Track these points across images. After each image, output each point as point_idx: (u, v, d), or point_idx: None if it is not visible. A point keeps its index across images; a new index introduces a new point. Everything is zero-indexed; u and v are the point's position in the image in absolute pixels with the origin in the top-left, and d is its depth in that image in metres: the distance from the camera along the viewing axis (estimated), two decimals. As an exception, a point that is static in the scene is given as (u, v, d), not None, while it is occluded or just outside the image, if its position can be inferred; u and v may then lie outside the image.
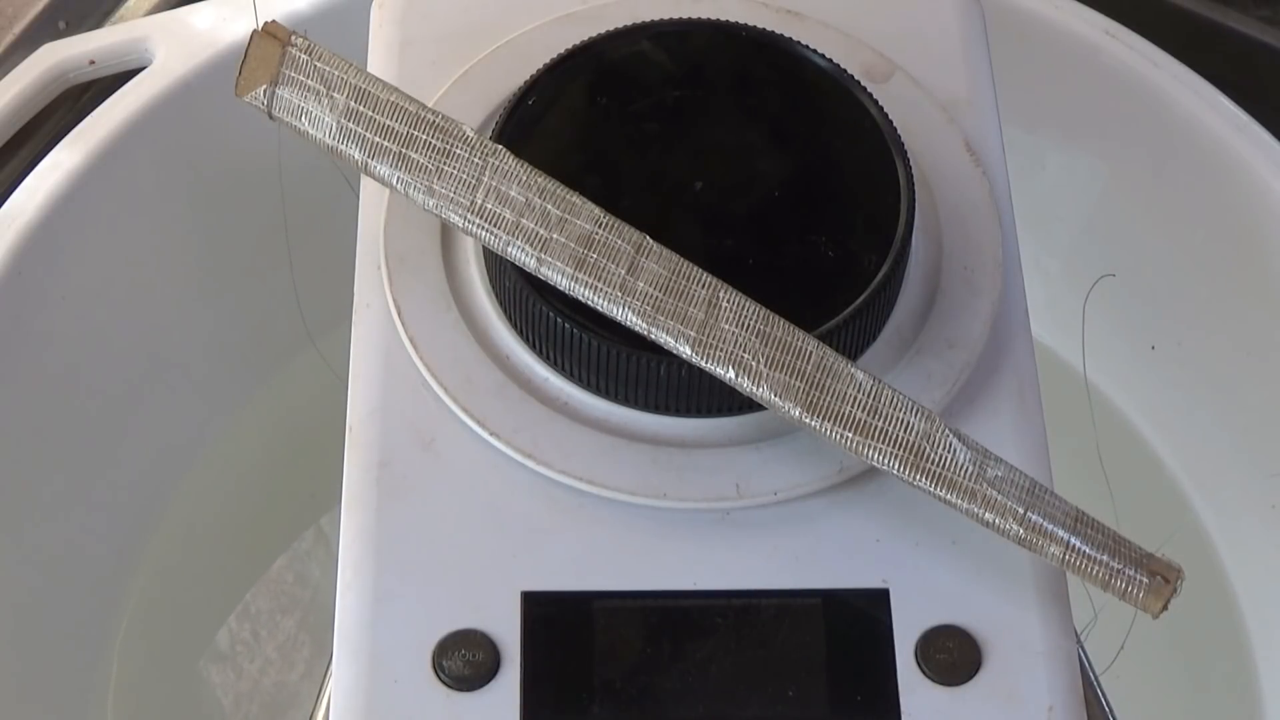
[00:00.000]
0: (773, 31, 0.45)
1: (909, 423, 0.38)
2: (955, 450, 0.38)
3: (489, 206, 0.40)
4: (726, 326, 0.39)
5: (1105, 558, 0.38)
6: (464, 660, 0.39)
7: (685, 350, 0.39)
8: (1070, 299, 0.64)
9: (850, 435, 0.38)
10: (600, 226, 0.39)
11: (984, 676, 0.39)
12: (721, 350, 0.39)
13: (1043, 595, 0.40)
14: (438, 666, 0.39)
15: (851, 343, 0.41)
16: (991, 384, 0.43)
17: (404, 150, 0.40)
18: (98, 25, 0.67)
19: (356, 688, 0.39)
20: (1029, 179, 0.64)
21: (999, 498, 0.38)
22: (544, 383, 0.42)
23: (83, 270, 0.61)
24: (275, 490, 0.71)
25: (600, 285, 0.39)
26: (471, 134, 0.40)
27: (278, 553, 0.71)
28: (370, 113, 0.40)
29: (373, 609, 0.39)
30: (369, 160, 0.40)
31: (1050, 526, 0.38)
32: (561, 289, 0.39)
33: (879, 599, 0.40)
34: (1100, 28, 0.64)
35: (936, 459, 0.38)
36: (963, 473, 0.38)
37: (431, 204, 0.40)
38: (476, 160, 0.40)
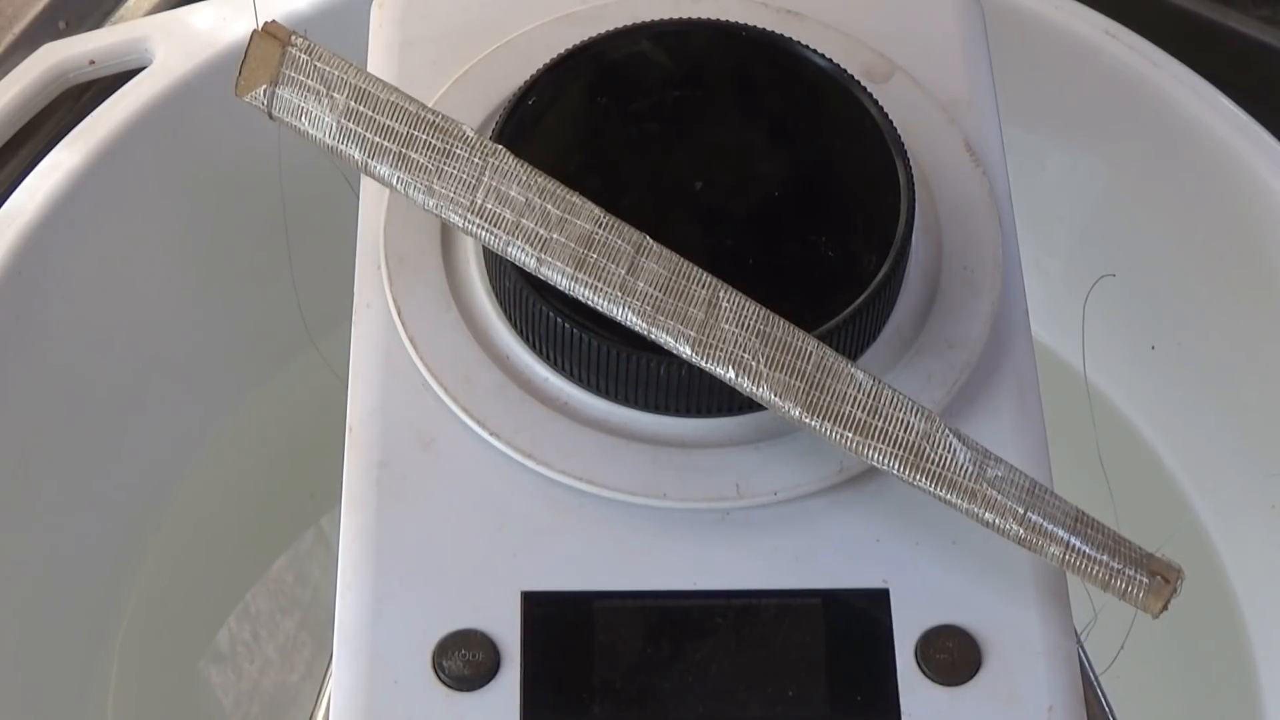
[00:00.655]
0: (773, 31, 0.45)
1: (909, 423, 0.38)
2: (955, 450, 0.38)
3: (489, 206, 0.40)
4: (726, 326, 0.39)
5: (1105, 558, 0.38)
6: (464, 660, 0.39)
7: (685, 350, 0.39)
8: (1070, 299, 0.64)
9: (850, 435, 0.38)
10: (600, 226, 0.39)
11: (984, 676, 0.39)
12: (721, 350, 0.39)
13: (1043, 595, 0.40)
14: (438, 666, 0.39)
15: (851, 343, 0.41)
16: (991, 384, 0.43)
17: (404, 150, 0.40)
18: (98, 25, 0.67)
19: (356, 688, 0.39)
20: (1029, 179, 0.64)
21: (999, 498, 0.38)
22: (544, 383, 0.42)
23: (83, 270, 0.61)
24: (275, 490, 0.71)
25: (600, 285, 0.39)
26: (471, 134, 0.40)
27: (278, 553, 0.71)
28: (370, 113, 0.40)
29: (373, 609, 0.39)
30: (369, 160, 0.40)
31: (1050, 526, 0.38)
32: (561, 289, 0.39)
33: (879, 599, 0.40)
34: (1100, 28, 0.64)
35: (936, 459, 0.38)
36: (963, 473, 0.38)
37: (431, 204, 0.40)
38: (476, 160, 0.40)
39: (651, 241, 0.39)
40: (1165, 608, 0.38)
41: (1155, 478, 0.70)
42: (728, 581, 0.40)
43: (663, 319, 0.39)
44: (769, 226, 0.42)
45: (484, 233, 0.40)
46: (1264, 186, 0.60)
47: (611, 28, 0.45)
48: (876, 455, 0.38)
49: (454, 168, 0.40)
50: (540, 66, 0.44)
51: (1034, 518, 0.38)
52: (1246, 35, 0.68)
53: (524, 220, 0.39)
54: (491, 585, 0.40)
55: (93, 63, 0.62)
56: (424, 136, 0.40)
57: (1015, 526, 0.38)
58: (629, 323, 0.39)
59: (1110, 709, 0.49)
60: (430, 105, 0.41)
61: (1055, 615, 0.40)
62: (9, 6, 0.64)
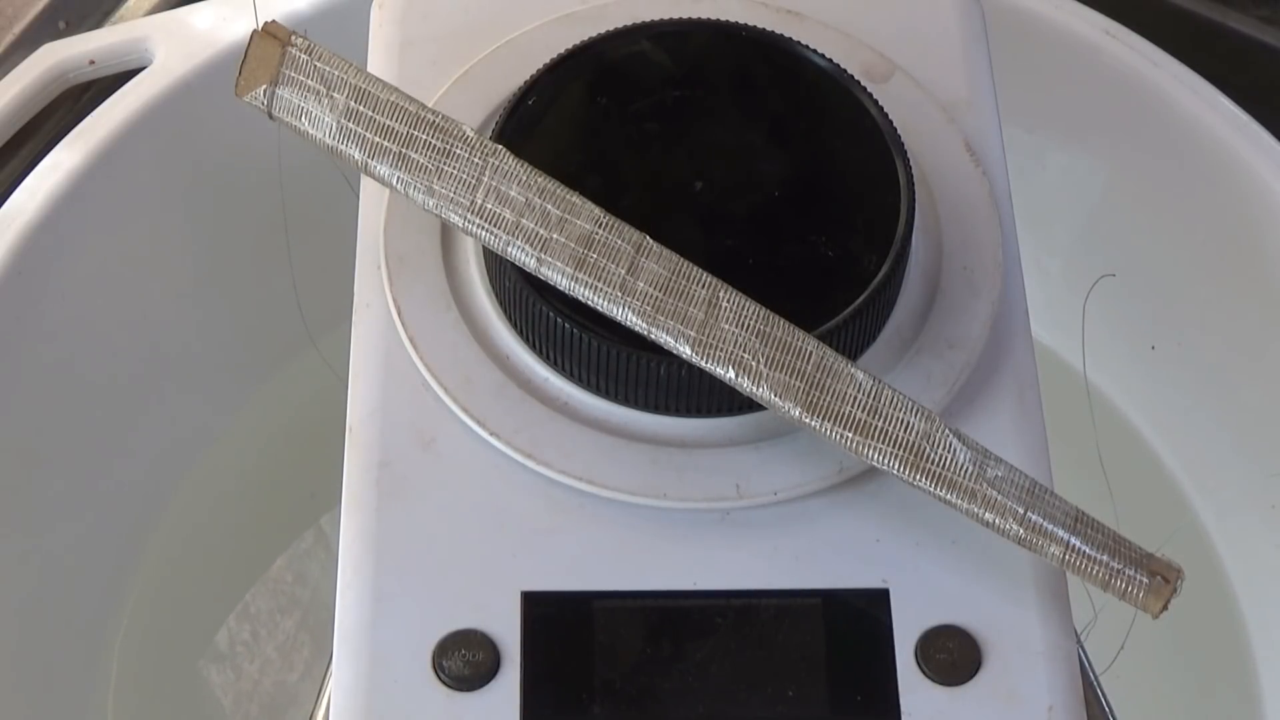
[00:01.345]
0: (773, 31, 0.45)
1: (909, 423, 0.38)
2: (955, 450, 0.38)
3: (489, 206, 0.40)
4: (726, 326, 0.39)
5: (1105, 558, 0.38)
6: (464, 660, 0.39)
7: (685, 350, 0.39)
8: (1070, 299, 0.64)
9: (850, 435, 0.38)
10: (600, 226, 0.39)
11: (984, 676, 0.39)
12: (721, 350, 0.39)
13: (1043, 595, 0.40)
14: (438, 666, 0.39)
15: (851, 343, 0.41)
16: (991, 384, 0.43)
17: (404, 150, 0.40)
18: (98, 25, 0.67)
19: (356, 688, 0.39)
20: (1029, 179, 0.64)
21: (999, 498, 0.38)
22: (544, 383, 0.42)
23: (83, 270, 0.61)
24: (275, 490, 0.71)
25: (600, 285, 0.39)
26: (471, 134, 0.40)
27: (278, 553, 0.71)
28: (370, 113, 0.40)
29: (373, 609, 0.39)
30: (369, 160, 0.40)
31: (1050, 526, 0.38)
32: (561, 289, 0.39)
33: (879, 599, 0.40)
34: (1100, 28, 0.64)
35: (936, 459, 0.38)
36: (963, 473, 0.38)
37: (431, 204, 0.40)
38: (476, 160, 0.40)
39: (651, 241, 0.39)
40: (1165, 608, 0.38)
41: (1155, 478, 0.70)
42: (728, 581, 0.40)
43: (663, 319, 0.39)
44: (769, 226, 0.42)
45: (484, 233, 0.40)
46: (1264, 186, 0.60)
47: (611, 28, 0.45)
48: (876, 455, 0.38)
49: (454, 168, 0.40)
50: (540, 66, 0.44)
51: (1034, 518, 0.38)
52: (1246, 35, 0.68)
53: (524, 220, 0.39)
54: (491, 585, 0.40)
55: (93, 63, 0.63)
56: (424, 136, 0.40)
57: (1015, 526, 0.38)
58: (629, 323, 0.39)
59: (1110, 709, 0.49)
60: (430, 105, 0.41)
61: (1055, 615, 0.40)
62: (9, 6, 0.64)
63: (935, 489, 0.38)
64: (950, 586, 0.40)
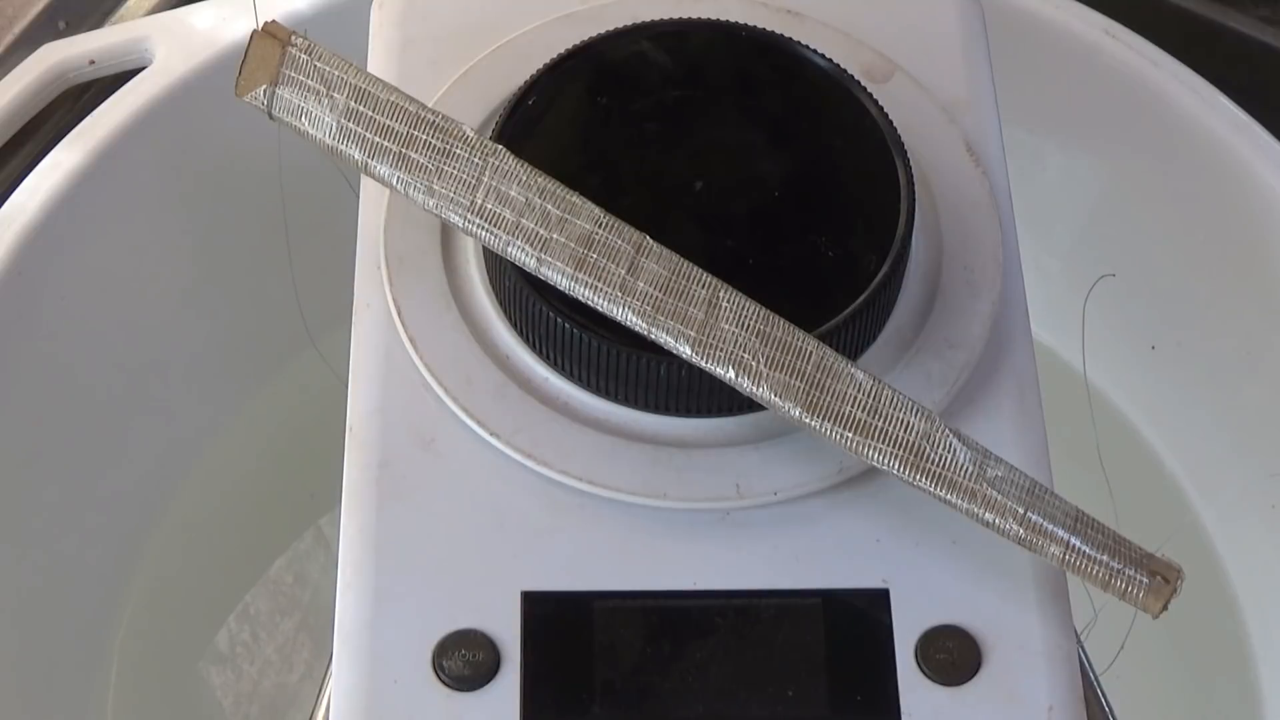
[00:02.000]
0: (773, 31, 0.45)
1: (909, 423, 0.38)
2: (955, 450, 0.38)
3: (489, 206, 0.40)
4: (726, 326, 0.39)
5: (1105, 558, 0.38)
6: (464, 660, 0.39)
7: (685, 350, 0.39)
8: (1070, 299, 0.64)
9: (850, 435, 0.38)
10: (600, 226, 0.39)
11: (984, 676, 0.39)
12: (721, 350, 0.39)
13: (1043, 595, 0.40)
14: (438, 666, 0.39)
15: (851, 343, 0.41)
16: (991, 384, 0.43)
17: (404, 150, 0.40)
18: (98, 25, 0.67)
19: (356, 688, 0.39)
20: (1029, 179, 0.64)
21: (999, 498, 0.38)
22: (544, 383, 0.42)
23: (83, 270, 0.61)
24: (275, 490, 0.71)
25: (600, 285, 0.39)
26: (471, 134, 0.40)
27: (277, 553, 0.71)
28: (370, 113, 0.40)
29: (373, 609, 0.39)
30: (369, 160, 0.40)
31: (1050, 526, 0.38)
32: (561, 289, 0.39)
33: (879, 599, 0.40)
34: (1100, 28, 0.64)
35: (936, 459, 0.38)
36: (963, 473, 0.38)
37: (431, 204, 0.40)
38: (476, 160, 0.40)
39: (651, 241, 0.39)
40: (1165, 608, 0.38)
41: (1155, 478, 0.70)
42: (728, 581, 0.40)
43: (663, 319, 0.39)
44: (769, 226, 0.42)
45: (484, 233, 0.40)
46: (1264, 186, 0.60)
47: (611, 28, 0.45)
48: (876, 455, 0.38)
49: (454, 168, 0.40)
50: (540, 66, 0.44)
51: (1034, 518, 0.38)
52: (1246, 35, 0.68)
53: (524, 220, 0.39)
54: (491, 585, 0.40)
55: (93, 63, 0.63)
56: (424, 136, 0.40)
57: (1015, 526, 0.38)
58: (629, 323, 0.39)
59: (1110, 709, 0.49)
60: (430, 105, 0.41)
61: (1055, 615, 0.40)
62: (9, 6, 0.64)
63: (935, 489, 0.38)
64: (950, 586, 0.40)
